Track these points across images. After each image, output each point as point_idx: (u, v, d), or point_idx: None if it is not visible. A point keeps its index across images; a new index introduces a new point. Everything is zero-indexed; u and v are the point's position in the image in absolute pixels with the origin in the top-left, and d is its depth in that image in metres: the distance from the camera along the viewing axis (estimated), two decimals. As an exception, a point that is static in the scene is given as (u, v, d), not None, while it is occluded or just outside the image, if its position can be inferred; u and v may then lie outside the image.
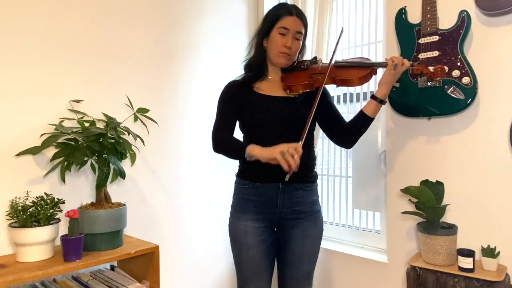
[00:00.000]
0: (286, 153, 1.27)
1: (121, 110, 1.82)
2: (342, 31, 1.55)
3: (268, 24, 1.48)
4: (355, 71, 1.45)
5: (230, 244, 1.54)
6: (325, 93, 1.57)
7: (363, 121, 1.46)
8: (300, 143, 1.31)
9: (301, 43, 1.52)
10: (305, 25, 1.50)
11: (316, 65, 1.53)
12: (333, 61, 1.48)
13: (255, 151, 1.36)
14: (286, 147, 1.28)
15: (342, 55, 2.19)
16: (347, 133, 1.51)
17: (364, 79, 1.45)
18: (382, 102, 1.44)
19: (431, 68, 1.47)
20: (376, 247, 2.05)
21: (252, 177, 1.48)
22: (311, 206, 1.52)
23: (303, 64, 1.55)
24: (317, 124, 1.61)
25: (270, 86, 1.53)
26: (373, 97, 1.45)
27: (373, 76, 1.50)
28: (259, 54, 1.53)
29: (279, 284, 1.59)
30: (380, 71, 1.50)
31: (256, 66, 1.53)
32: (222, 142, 1.47)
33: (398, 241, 1.84)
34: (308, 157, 1.51)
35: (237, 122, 1.55)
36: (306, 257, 1.51)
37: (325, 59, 2.06)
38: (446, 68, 1.56)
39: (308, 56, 1.83)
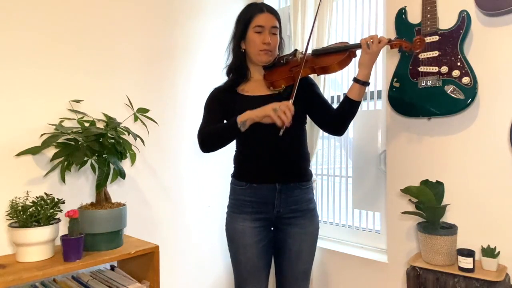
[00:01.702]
0: (278, 109, 1.30)
1: (121, 110, 1.82)
2: (317, 11, 1.56)
3: (242, 26, 1.49)
4: (333, 57, 1.45)
5: (228, 245, 1.54)
6: (312, 84, 1.58)
7: (349, 105, 1.45)
8: (291, 101, 1.33)
9: (278, 37, 1.52)
10: (278, 19, 1.51)
11: (295, 58, 1.53)
12: (308, 50, 1.47)
13: (246, 115, 1.37)
14: (277, 104, 1.32)
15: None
16: (336, 120, 1.50)
17: (344, 63, 1.44)
18: (364, 83, 1.42)
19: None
20: (376, 247, 2.05)
21: (248, 178, 1.48)
22: (307, 204, 1.52)
23: (283, 59, 1.55)
24: (313, 123, 1.62)
25: (255, 86, 1.53)
26: (355, 79, 1.43)
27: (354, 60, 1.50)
28: (238, 57, 1.53)
29: (276, 283, 1.59)
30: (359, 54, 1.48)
31: (238, 69, 1.54)
32: (208, 132, 1.44)
33: (398, 241, 1.84)
34: (303, 156, 1.52)
35: None
36: (303, 255, 1.51)
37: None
38: (425, 40, 1.55)
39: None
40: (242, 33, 1.49)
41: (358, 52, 1.46)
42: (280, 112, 1.30)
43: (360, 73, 1.42)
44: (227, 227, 1.53)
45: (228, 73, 1.58)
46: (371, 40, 1.37)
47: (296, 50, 1.56)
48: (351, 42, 2.14)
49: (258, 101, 1.47)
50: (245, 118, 1.36)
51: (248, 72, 1.55)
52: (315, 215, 1.55)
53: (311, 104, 1.55)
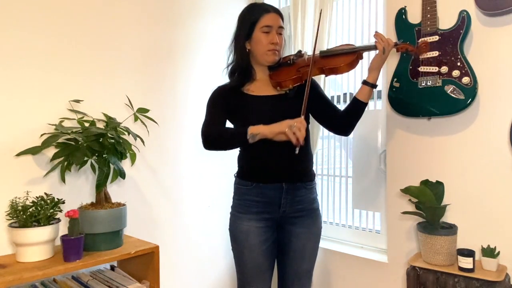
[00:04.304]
0: (294, 126, 1.31)
1: (121, 110, 1.82)
2: (320, 12, 1.56)
3: (248, 26, 1.48)
4: (342, 58, 1.47)
5: (231, 245, 1.53)
6: (315, 86, 1.58)
7: (358, 106, 1.49)
8: (302, 117, 1.34)
9: (283, 37, 1.53)
10: (283, 19, 1.52)
11: (302, 58, 1.53)
12: (316, 51, 1.48)
13: (260, 128, 1.36)
14: (292, 122, 1.32)
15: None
16: (343, 121, 1.53)
17: (353, 65, 1.47)
18: (373, 86, 1.47)
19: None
20: (376, 247, 2.05)
21: (254, 177, 1.48)
22: (311, 204, 1.53)
23: (288, 59, 1.55)
24: (315, 121, 1.62)
25: (260, 86, 1.52)
26: (365, 82, 1.47)
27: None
28: (244, 58, 1.51)
29: (279, 282, 1.59)
30: (366, 55, 1.49)
31: (243, 69, 1.52)
32: (216, 133, 1.44)
33: (398, 241, 1.84)
34: (306, 156, 1.52)
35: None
36: (307, 255, 1.51)
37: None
38: (429, 45, 1.58)
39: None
40: (248, 33, 1.48)
41: (365, 54, 1.48)
42: (296, 130, 1.30)
43: (371, 76, 1.46)
44: (231, 227, 1.52)
45: (231, 74, 1.56)
46: (386, 44, 1.41)
47: (300, 51, 1.56)
48: (351, 42, 2.15)
49: (264, 101, 1.48)
50: (257, 132, 1.36)
51: (253, 72, 1.54)
52: (318, 214, 1.56)
53: (317, 106, 1.55)
